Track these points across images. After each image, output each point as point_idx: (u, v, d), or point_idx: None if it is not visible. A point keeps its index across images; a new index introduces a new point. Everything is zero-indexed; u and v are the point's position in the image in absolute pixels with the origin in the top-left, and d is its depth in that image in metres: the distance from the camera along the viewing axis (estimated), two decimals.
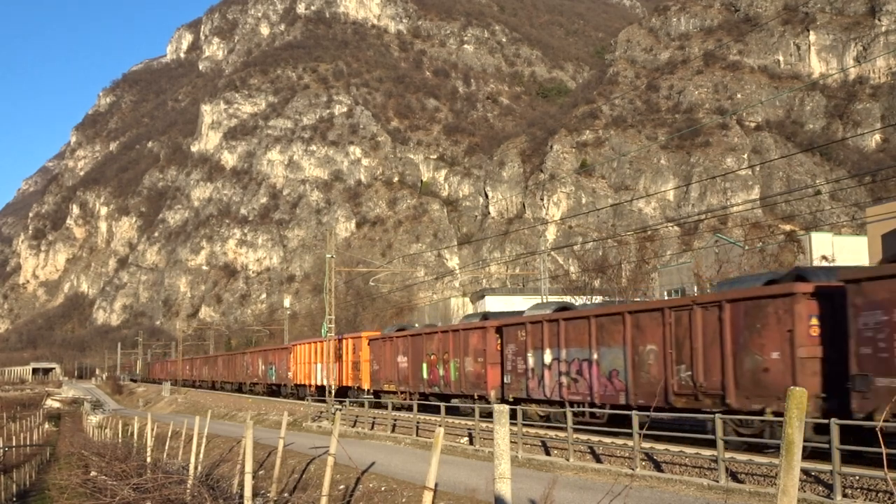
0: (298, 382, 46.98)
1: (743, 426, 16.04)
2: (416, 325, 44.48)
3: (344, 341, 39.95)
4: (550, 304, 26.02)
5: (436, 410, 27.15)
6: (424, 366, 30.46)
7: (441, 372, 29.07)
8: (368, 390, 35.81)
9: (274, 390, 53.71)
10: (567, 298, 40.94)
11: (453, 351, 28.22)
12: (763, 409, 15.47)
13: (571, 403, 21.17)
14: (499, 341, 25.45)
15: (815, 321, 15.06)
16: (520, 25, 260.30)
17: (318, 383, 42.37)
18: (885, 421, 13.20)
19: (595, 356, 20.61)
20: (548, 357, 22.63)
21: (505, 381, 24.69)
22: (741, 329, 16.30)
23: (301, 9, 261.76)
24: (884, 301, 13.17)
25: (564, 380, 21.80)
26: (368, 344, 36.29)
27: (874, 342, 13.31)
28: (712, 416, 15.36)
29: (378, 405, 33.62)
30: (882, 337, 13.16)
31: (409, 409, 29.39)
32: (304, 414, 37.97)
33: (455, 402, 27.17)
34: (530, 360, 23.36)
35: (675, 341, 17.88)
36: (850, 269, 16.86)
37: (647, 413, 17.45)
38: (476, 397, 26.32)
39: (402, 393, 32.22)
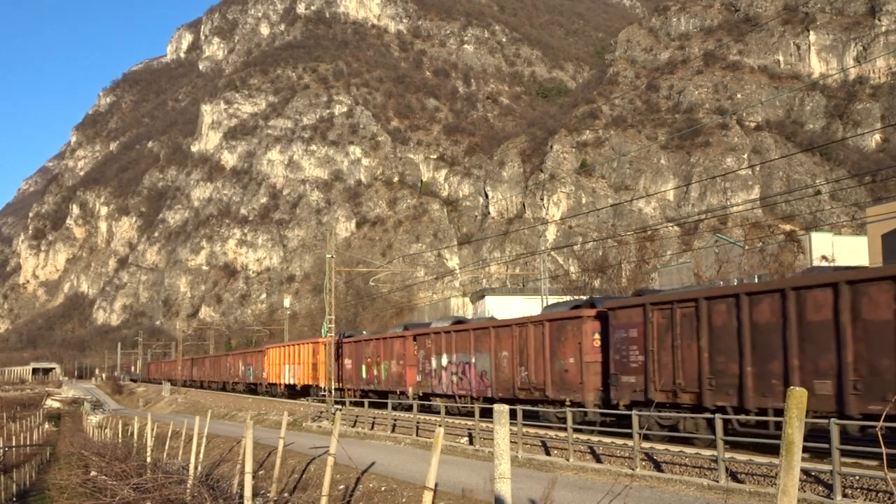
0: (271, 381, 51.68)
1: (558, 412, 21.88)
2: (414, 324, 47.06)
3: (305, 346, 44.64)
4: (450, 318, 32.14)
5: (381, 406, 32.06)
6: (363, 367, 36.52)
7: (375, 372, 34.95)
8: (325, 388, 39.45)
9: (252, 389, 57.92)
10: (567, 298, 40.98)
11: (383, 355, 33.69)
12: (565, 400, 21.70)
13: (460, 397, 27.22)
14: (416, 347, 30.64)
15: (597, 336, 21.12)
16: (520, 25, 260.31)
17: (287, 382, 47.88)
18: (626, 405, 19.49)
19: (473, 360, 26.60)
20: (444, 361, 28.43)
21: (418, 379, 30.32)
22: (554, 341, 22.42)
23: (301, 9, 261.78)
24: (626, 323, 19.50)
25: (455, 378, 27.66)
26: (325, 347, 39.70)
27: (621, 351, 19.60)
28: (541, 405, 22.83)
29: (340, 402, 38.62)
30: (624, 348, 19.50)
31: (355, 403, 36.17)
32: (304, 414, 37.98)
33: (392, 398, 31.66)
34: (433, 363, 29.04)
35: (519, 350, 23.93)
36: (617, 299, 22.99)
37: (510, 405, 22.86)
38: (399, 393, 31.84)
39: (348, 390, 38.20)
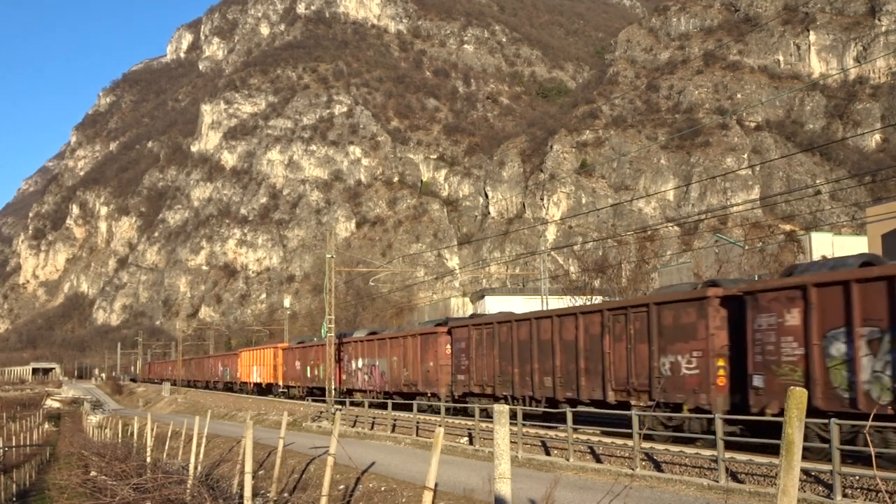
0: (243, 381, 60.08)
1: (431, 403, 29.18)
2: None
3: (269, 350, 54.04)
4: (366, 329, 41.35)
5: (321, 400, 39.28)
6: (308, 368, 44.16)
7: (316, 372, 42.42)
8: (283, 385, 49.98)
9: (229, 387, 65.94)
10: (567, 298, 41.00)
11: (321, 358, 40.23)
12: (431, 393, 29.34)
13: (369, 391, 35.33)
14: (342, 352, 38.55)
15: (448, 347, 28.49)
16: (520, 25, 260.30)
17: (255, 381, 56.49)
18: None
19: (377, 363, 34.54)
20: (360, 363, 36.59)
21: (343, 377, 38.39)
22: (424, 350, 30.15)
23: (301, 9, 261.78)
24: (460, 338, 27.36)
25: (366, 377, 35.71)
26: (283, 352, 50.39)
27: (459, 357, 27.52)
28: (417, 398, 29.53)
29: (286, 395, 48.96)
30: (461, 355, 27.22)
31: (302, 398, 43.67)
32: (303, 414, 37.99)
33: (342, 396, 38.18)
34: (353, 365, 37.48)
35: (403, 356, 31.81)
36: (459, 319, 30.38)
37: (397, 399, 30.81)
38: (334, 389, 38.40)
39: (299, 387, 46.07)
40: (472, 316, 31.06)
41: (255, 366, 55.81)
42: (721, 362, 16.73)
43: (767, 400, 15.39)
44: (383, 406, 30.67)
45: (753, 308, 15.72)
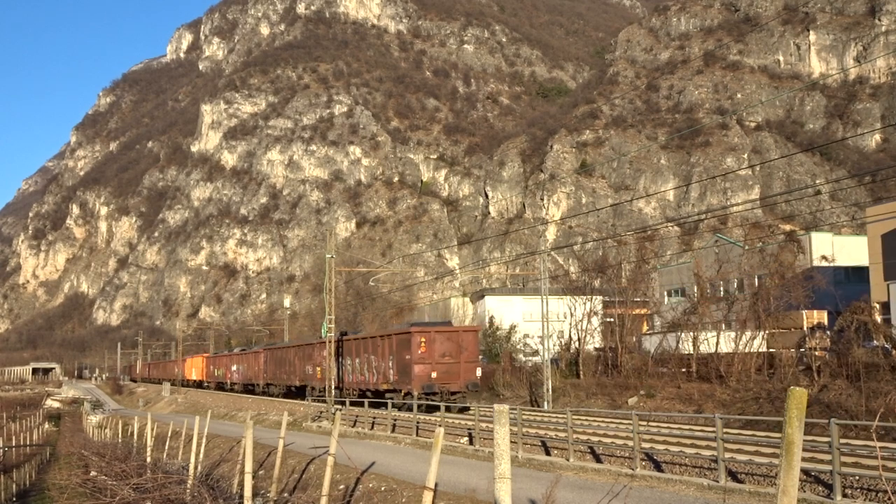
0: (186, 378, 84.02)
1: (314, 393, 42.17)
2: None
3: (199, 357, 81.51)
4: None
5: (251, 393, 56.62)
6: (215, 370, 67.49)
7: (218, 372, 66.00)
8: (207, 383, 71.46)
9: (185, 384, 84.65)
10: (567, 298, 40.96)
11: (248, 363, 57.88)
12: (315, 388, 41.26)
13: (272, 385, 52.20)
14: (263, 359, 53.77)
15: (331, 350, 35.38)
16: (520, 25, 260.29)
17: (192, 378, 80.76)
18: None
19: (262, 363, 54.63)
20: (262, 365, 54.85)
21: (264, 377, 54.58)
22: (308, 357, 43.15)
23: (301, 9, 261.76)
24: (347, 350, 38.85)
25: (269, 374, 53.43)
26: (207, 358, 76.60)
27: (344, 365, 40.12)
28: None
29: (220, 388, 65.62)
30: (347, 361, 39.52)
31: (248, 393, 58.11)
32: (303, 414, 38.00)
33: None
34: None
35: (274, 359, 51.35)
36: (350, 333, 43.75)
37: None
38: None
39: (211, 382, 66.00)
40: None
41: (193, 368, 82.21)
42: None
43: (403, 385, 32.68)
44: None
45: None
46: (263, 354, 54.27)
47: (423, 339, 31.56)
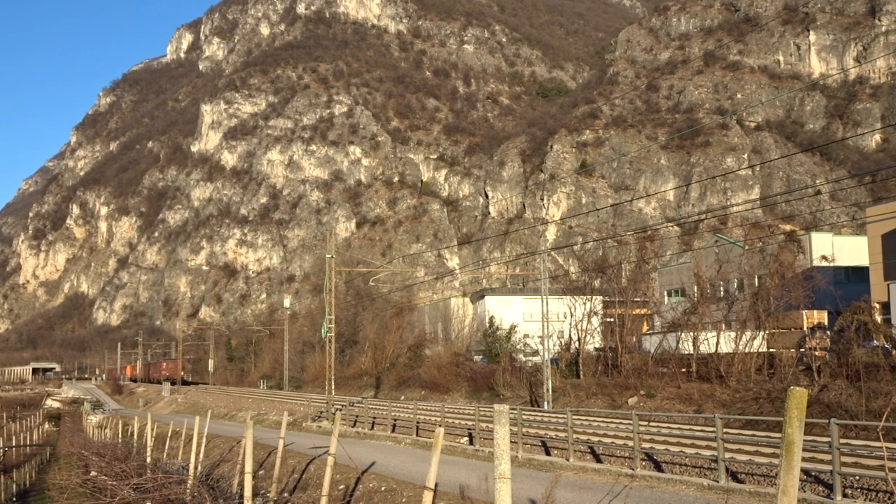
0: (131, 377, 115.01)
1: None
2: None
3: (132, 366, 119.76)
4: None
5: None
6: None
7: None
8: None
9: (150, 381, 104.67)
10: (567, 298, 40.92)
11: (165, 369, 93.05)
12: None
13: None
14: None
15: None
16: (520, 25, 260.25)
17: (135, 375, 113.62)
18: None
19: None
20: None
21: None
22: (158, 367, 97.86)
23: (301, 9, 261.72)
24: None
25: None
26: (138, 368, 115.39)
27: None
28: None
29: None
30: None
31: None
32: (304, 414, 37.99)
33: None
34: None
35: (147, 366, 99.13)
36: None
37: None
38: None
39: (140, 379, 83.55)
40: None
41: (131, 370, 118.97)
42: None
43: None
44: None
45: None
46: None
47: None
